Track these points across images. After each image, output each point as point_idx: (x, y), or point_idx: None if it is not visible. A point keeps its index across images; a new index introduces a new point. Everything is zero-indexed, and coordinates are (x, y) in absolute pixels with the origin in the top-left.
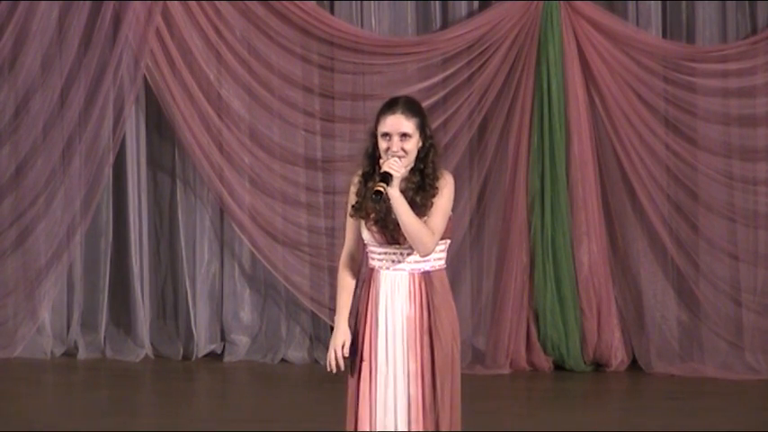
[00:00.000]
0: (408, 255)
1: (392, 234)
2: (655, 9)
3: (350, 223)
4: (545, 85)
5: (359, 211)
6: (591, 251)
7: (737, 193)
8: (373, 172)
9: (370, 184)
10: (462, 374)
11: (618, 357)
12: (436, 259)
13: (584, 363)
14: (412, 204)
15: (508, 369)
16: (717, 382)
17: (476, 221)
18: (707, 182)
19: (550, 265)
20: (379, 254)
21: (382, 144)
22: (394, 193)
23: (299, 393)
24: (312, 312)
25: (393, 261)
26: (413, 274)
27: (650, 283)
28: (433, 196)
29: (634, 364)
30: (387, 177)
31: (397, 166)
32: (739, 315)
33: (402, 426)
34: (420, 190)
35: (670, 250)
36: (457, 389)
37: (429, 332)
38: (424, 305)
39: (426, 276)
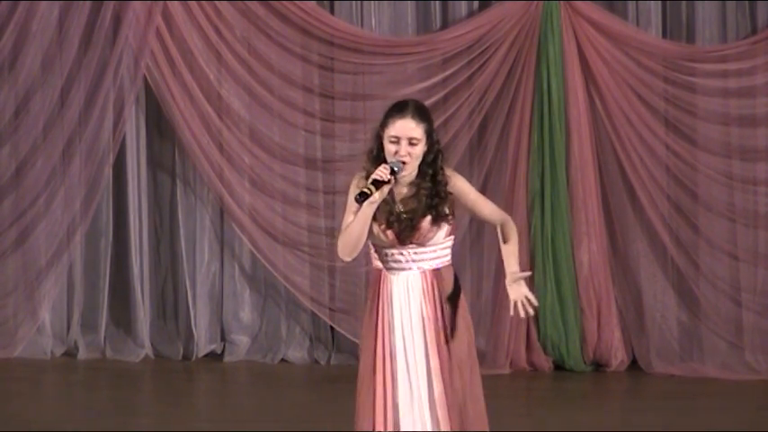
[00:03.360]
0: (419, 254)
1: (402, 236)
2: (655, 9)
3: (352, 210)
4: (545, 85)
5: (373, 215)
6: (591, 251)
7: (737, 193)
8: None
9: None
10: None
11: (618, 357)
12: (444, 256)
13: (585, 363)
14: (433, 212)
15: (508, 369)
16: (717, 382)
17: (476, 222)
18: (707, 182)
19: (550, 265)
20: (389, 254)
21: (390, 147)
22: (372, 198)
23: (299, 393)
24: (312, 312)
25: (404, 261)
26: (424, 273)
27: (650, 283)
28: (450, 202)
29: (634, 364)
30: (377, 183)
31: (383, 172)
32: (739, 315)
33: (429, 426)
34: (436, 197)
35: (670, 250)
36: (478, 382)
37: (445, 329)
38: (437, 302)
39: (437, 274)
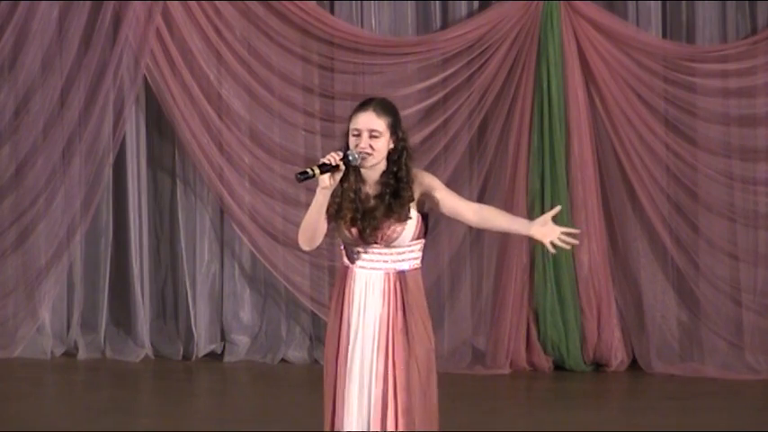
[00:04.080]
0: (384, 254)
1: (368, 233)
2: (655, 9)
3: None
4: (545, 85)
5: (338, 212)
6: (591, 251)
7: (737, 193)
8: (347, 172)
9: (345, 185)
10: (462, 374)
11: (618, 357)
12: (412, 259)
13: (585, 363)
14: (390, 211)
15: (508, 369)
16: (717, 382)
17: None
18: (707, 182)
19: (550, 265)
20: (355, 252)
21: (352, 141)
22: (322, 183)
23: (299, 393)
24: (312, 312)
25: (368, 260)
26: (388, 274)
27: (650, 283)
28: (410, 200)
29: (634, 364)
30: (324, 167)
31: (333, 157)
32: (739, 315)
33: (368, 426)
34: (396, 196)
35: (670, 250)
36: (433, 390)
37: (404, 332)
38: (398, 305)
39: (401, 276)
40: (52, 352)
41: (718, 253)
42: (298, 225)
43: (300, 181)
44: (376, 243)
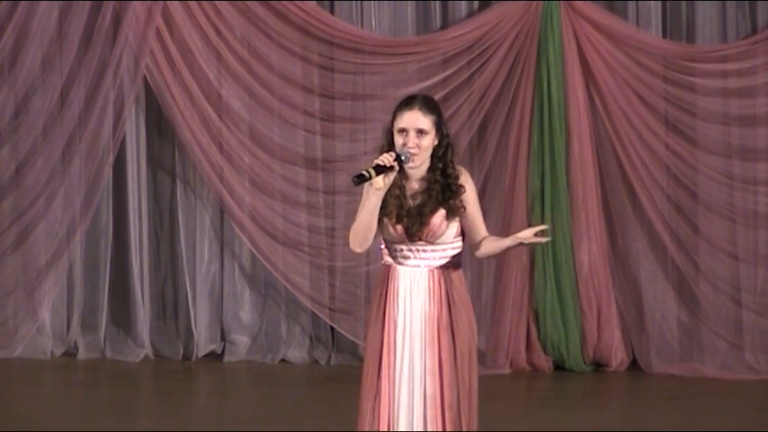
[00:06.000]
0: (428, 251)
1: (412, 230)
2: (655, 9)
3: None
4: (545, 85)
5: (383, 209)
6: (591, 251)
7: (737, 193)
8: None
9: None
10: None
11: (618, 357)
12: (453, 256)
13: (585, 363)
14: (441, 206)
15: (508, 369)
16: (717, 382)
17: None
18: (707, 182)
19: (550, 265)
20: (398, 250)
21: (398, 140)
22: (376, 184)
23: (299, 393)
24: (312, 312)
25: (412, 257)
26: (432, 271)
27: (650, 283)
28: (463, 191)
29: (634, 364)
30: (379, 168)
31: (387, 158)
32: (739, 315)
33: (419, 425)
34: (448, 191)
35: (670, 250)
36: (475, 386)
37: (449, 328)
38: (443, 301)
39: (445, 272)
40: (52, 352)
41: (719, 253)
42: (298, 225)
43: (357, 184)
44: (420, 240)
